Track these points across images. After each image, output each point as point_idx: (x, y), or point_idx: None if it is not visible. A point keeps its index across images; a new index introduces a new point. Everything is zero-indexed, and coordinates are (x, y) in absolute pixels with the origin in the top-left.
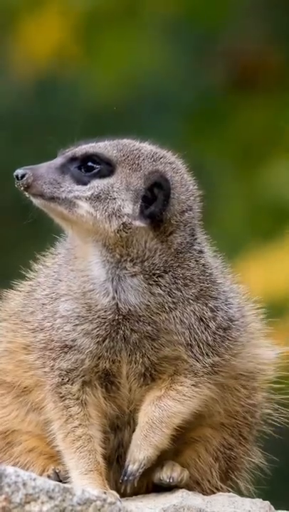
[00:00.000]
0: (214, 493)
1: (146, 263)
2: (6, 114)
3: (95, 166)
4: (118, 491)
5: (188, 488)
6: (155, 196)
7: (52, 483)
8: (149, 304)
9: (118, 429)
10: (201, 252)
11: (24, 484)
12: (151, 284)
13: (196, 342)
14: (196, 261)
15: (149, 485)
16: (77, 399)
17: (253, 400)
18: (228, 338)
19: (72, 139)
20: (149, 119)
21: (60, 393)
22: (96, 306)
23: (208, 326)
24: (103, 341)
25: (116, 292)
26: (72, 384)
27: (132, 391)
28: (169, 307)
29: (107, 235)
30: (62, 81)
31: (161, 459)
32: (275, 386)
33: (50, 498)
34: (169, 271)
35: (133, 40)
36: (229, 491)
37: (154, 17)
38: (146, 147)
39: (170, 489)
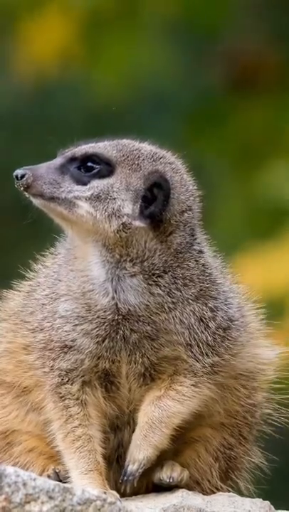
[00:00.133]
0: (214, 493)
1: (145, 263)
2: (6, 114)
3: (94, 166)
4: (118, 491)
5: (188, 488)
6: (155, 196)
7: (52, 483)
8: (148, 304)
9: (118, 429)
10: (200, 252)
11: (24, 484)
12: (150, 284)
13: (196, 342)
14: (196, 261)
15: (149, 485)
16: (77, 399)
17: (252, 400)
18: (227, 338)
19: (72, 139)
20: (149, 119)
21: (60, 393)
22: (96, 306)
23: (207, 325)
24: (103, 341)
25: (115, 292)
26: (72, 384)
27: (132, 391)
28: (169, 307)
29: (106, 235)
30: (62, 81)
31: (161, 458)
32: (275, 386)
33: (50, 498)
34: (169, 271)
35: (133, 40)
36: (229, 491)
37: (154, 17)
38: (146, 147)
39: (170, 489)
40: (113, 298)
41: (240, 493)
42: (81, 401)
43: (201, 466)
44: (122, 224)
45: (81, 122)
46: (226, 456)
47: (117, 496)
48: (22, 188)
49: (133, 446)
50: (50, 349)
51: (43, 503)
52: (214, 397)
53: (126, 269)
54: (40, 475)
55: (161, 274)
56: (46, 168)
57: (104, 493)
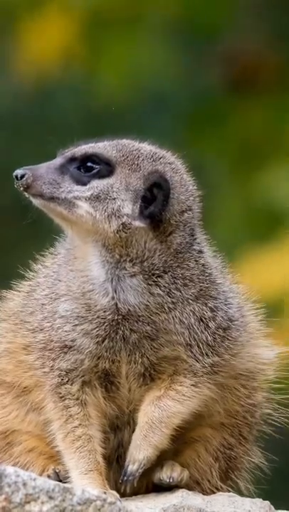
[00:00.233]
0: (214, 493)
1: (145, 263)
2: (6, 114)
3: (94, 166)
4: (118, 491)
5: (188, 488)
6: (155, 196)
7: (52, 483)
8: (148, 304)
9: (118, 429)
10: (200, 252)
11: (24, 484)
12: (150, 285)
13: (196, 342)
14: (196, 261)
15: (149, 485)
16: (77, 399)
17: (252, 400)
18: (227, 338)
19: (72, 139)
20: (150, 119)
21: (60, 393)
22: (95, 306)
23: (207, 325)
24: (102, 341)
25: (115, 292)
26: (71, 384)
27: (132, 391)
28: (169, 307)
29: (106, 235)
30: (63, 81)
31: (161, 458)
32: (275, 386)
33: (50, 498)
34: (169, 271)
35: (134, 40)
36: (229, 491)
37: (155, 18)
38: (146, 147)
39: (170, 489)
40: (113, 298)
41: (240, 493)
42: (81, 401)
43: (201, 466)
44: (122, 224)
45: (81, 122)
46: (226, 456)
47: (117, 496)
48: (22, 188)
49: (133, 447)
50: (50, 349)
51: (43, 503)
52: (214, 397)
53: (126, 269)
54: (40, 475)
55: (161, 274)
56: (46, 169)
57: (105, 493)
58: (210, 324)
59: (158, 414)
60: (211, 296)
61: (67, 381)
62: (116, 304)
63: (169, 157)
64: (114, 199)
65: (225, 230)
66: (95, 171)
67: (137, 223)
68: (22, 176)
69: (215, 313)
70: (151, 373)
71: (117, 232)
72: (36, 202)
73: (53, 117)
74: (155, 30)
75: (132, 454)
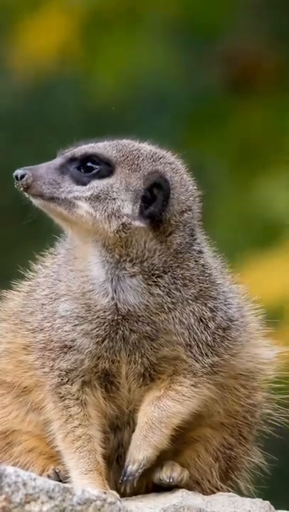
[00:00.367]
0: (214, 492)
1: (145, 263)
2: (6, 114)
3: (94, 166)
4: (118, 491)
5: (188, 488)
6: (155, 196)
7: (52, 483)
8: (148, 304)
9: (118, 429)
10: (200, 252)
11: (24, 484)
12: (150, 285)
13: (196, 342)
14: (196, 261)
15: (149, 485)
16: (77, 399)
17: (252, 400)
18: (227, 338)
19: (71, 139)
20: (149, 118)
21: (60, 393)
22: (95, 306)
23: (207, 326)
24: (102, 341)
25: (115, 292)
26: (71, 384)
27: (132, 391)
28: (168, 307)
29: (106, 235)
30: (61, 80)
31: (161, 458)
32: (275, 386)
33: (50, 498)
34: (168, 271)
35: (133, 39)
36: (229, 491)
37: (155, 17)
38: (146, 147)
39: (170, 489)
40: (113, 298)
41: (240, 493)
42: (81, 401)
43: (201, 466)
44: (122, 224)
45: (80, 121)
46: (226, 456)
47: (117, 495)
48: (22, 189)
49: (133, 447)
50: (50, 349)
51: (43, 503)
52: (214, 397)
53: (126, 270)
54: (40, 475)
55: (161, 274)
56: (46, 169)
57: (105, 493)
58: (210, 324)
59: (158, 414)
60: (210, 297)
61: (67, 381)
62: (116, 304)
63: (169, 157)
64: (114, 199)
65: (224, 231)
66: (95, 171)
67: (137, 223)
68: (22, 176)
69: (214, 314)
70: (151, 373)
71: (117, 232)
72: (36, 202)
73: (51, 116)
74: (155, 30)
75: (131, 454)
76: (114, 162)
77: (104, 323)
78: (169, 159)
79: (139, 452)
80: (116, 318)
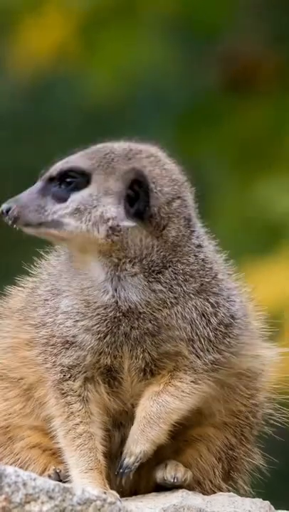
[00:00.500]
0: (215, 493)
1: (144, 261)
2: (5, 113)
3: (72, 180)
4: (120, 489)
5: (189, 488)
6: (138, 194)
7: (52, 483)
8: (149, 300)
9: (121, 426)
10: (199, 246)
11: (24, 484)
12: (151, 281)
13: (198, 337)
14: (195, 256)
15: (149, 485)
16: (79, 395)
17: (255, 400)
18: (229, 335)
19: (70, 137)
20: (148, 117)
21: (62, 389)
22: (95, 303)
23: (209, 321)
24: (104, 337)
25: (115, 291)
26: (74, 380)
27: (133, 386)
28: (171, 302)
29: (99, 242)
30: (61, 80)
31: (163, 457)
32: (277, 386)
33: (50, 498)
34: (169, 266)
35: (132, 38)
36: (229, 491)
37: (154, 16)
38: (120, 147)
39: (170, 489)
40: (113, 296)
41: (240, 493)
42: (83, 398)
43: (203, 466)
44: (110, 228)
45: (79, 120)
46: (229, 456)
47: (117, 495)
48: (10, 222)
49: (130, 440)
50: (52, 345)
51: (43, 503)
52: (214, 394)
53: (126, 270)
54: (41, 473)
55: (161, 270)
56: (28, 196)
57: (104, 492)
58: (212, 320)
59: (156, 409)
60: (212, 292)
61: (69, 377)
62: (116, 302)
63: (146, 151)
64: (95, 207)
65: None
66: (72, 185)
67: (126, 223)
68: (8, 210)
69: (217, 309)
70: (152, 368)
71: (108, 237)
72: (28, 231)
73: (51, 115)
74: (154, 29)
75: (129, 447)
76: (88, 171)
77: (106, 319)
78: (146, 153)
79: (137, 446)
80: (117, 314)
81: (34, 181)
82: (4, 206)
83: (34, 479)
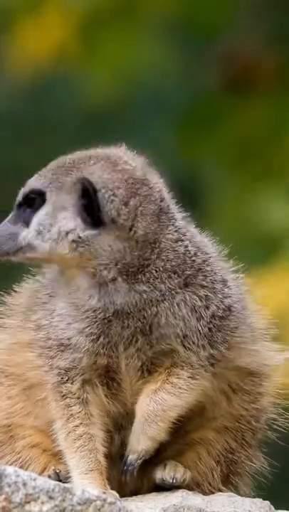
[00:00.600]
0: (214, 493)
1: (119, 265)
2: (5, 113)
3: (33, 202)
4: (121, 489)
5: (188, 489)
6: (91, 202)
7: (52, 483)
8: (135, 301)
9: (122, 428)
10: (178, 240)
11: (24, 484)
12: (132, 283)
13: (191, 333)
14: (175, 251)
15: (150, 485)
16: (78, 398)
17: (257, 405)
18: (224, 329)
19: (69, 138)
20: (147, 117)
21: (61, 392)
22: (83, 306)
23: (201, 315)
24: (98, 339)
25: (100, 294)
26: (72, 383)
27: (132, 385)
28: (157, 300)
29: (67, 257)
30: (61, 80)
31: (163, 459)
32: (282, 391)
33: (50, 498)
34: (148, 265)
35: (132, 39)
36: (231, 490)
37: (154, 16)
38: (69, 159)
39: (170, 489)
40: (99, 300)
41: (240, 494)
42: (82, 400)
43: (202, 469)
44: (73, 241)
45: (79, 120)
46: (228, 460)
47: (117, 496)
48: None
49: (132, 438)
50: (48, 347)
51: (43, 503)
52: (211, 390)
53: (104, 277)
54: (42, 473)
55: (141, 270)
56: (3, 226)
57: (104, 493)
58: (203, 314)
59: (153, 407)
60: (200, 285)
61: (67, 380)
62: (104, 305)
63: (97, 157)
64: (51, 224)
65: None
66: (33, 207)
67: (87, 233)
68: None
69: (208, 302)
70: (148, 367)
71: (73, 251)
72: (12, 259)
73: (51, 116)
74: (154, 29)
75: (132, 445)
76: (43, 189)
77: (96, 321)
78: (96, 159)
79: (138, 444)
80: (106, 316)
81: None
82: None
83: (34, 479)
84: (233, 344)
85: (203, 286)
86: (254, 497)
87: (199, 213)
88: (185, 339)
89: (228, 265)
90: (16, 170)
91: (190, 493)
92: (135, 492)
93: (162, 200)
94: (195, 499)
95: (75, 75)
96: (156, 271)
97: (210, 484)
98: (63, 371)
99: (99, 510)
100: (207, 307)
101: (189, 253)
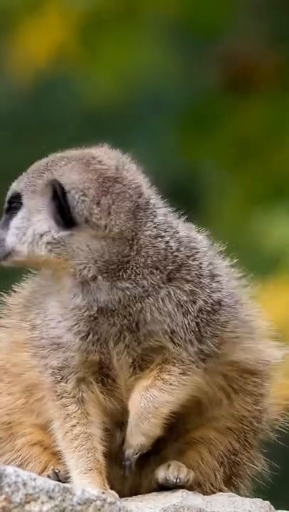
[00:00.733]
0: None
1: (98, 263)
2: (5, 114)
3: (14, 206)
4: (121, 487)
5: (190, 489)
6: (64, 203)
7: (52, 483)
8: (119, 297)
9: (123, 426)
10: (158, 236)
11: (24, 484)
12: (114, 281)
13: (179, 328)
14: (155, 246)
15: (151, 486)
16: (74, 397)
17: (259, 406)
18: (213, 323)
19: (69, 140)
20: (148, 118)
21: (57, 392)
22: (69, 305)
23: (187, 310)
24: (87, 336)
25: (83, 293)
26: (66, 382)
27: (126, 381)
28: (141, 296)
29: (44, 259)
30: (61, 82)
31: (165, 459)
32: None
33: (50, 498)
34: (128, 262)
35: (132, 40)
36: (231, 490)
37: (154, 17)
38: (43, 162)
39: (171, 489)
40: (83, 298)
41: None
42: (78, 399)
43: (204, 469)
44: (48, 243)
45: (79, 121)
46: (231, 461)
47: (116, 495)
48: None
49: (128, 433)
50: (42, 347)
51: (43, 503)
52: (206, 385)
53: (84, 276)
54: (41, 472)
55: (120, 267)
56: None
57: (103, 493)
58: (190, 308)
59: (144, 404)
60: (185, 279)
61: (61, 379)
62: (88, 303)
63: (68, 158)
64: (27, 227)
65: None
66: (13, 211)
67: (62, 234)
68: None
69: (194, 297)
70: (140, 363)
71: (50, 252)
72: (4, 264)
73: (51, 117)
74: (154, 30)
75: (127, 440)
76: (21, 193)
77: (83, 319)
78: (67, 160)
79: (133, 439)
80: (92, 313)
81: None
82: None
83: (34, 479)
84: (225, 339)
85: (187, 281)
86: (254, 497)
87: (199, 213)
88: (173, 335)
89: (220, 261)
90: (16, 171)
91: (190, 493)
92: (135, 492)
93: (140, 196)
94: (195, 499)
95: (75, 76)
96: (137, 267)
97: (212, 485)
98: (57, 370)
99: (99, 510)
100: (194, 302)
101: (171, 248)
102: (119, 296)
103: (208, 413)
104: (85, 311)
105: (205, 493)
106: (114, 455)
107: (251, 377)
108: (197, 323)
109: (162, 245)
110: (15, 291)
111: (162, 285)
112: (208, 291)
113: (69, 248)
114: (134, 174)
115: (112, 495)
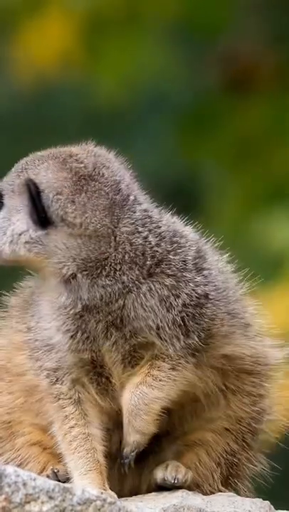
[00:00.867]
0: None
1: (77, 260)
2: (6, 114)
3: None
4: (121, 488)
5: (188, 489)
6: (37, 202)
7: (52, 483)
8: (100, 294)
9: (121, 425)
10: (135, 232)
11: (24, 484)
12: (94, 278)
13: (164, 323)
14: (131, 243)
15: (150, 488)
16: (70, 398)
17: (258, 407)
18: (200, 317)
19: (71, 142)
20: (150, 120)
21: (53, 393)
22: (56, 303)
23: (171, 304)
24: (75, 335)
25: (67, 291)
26: (61, 384)
27: (120, 379)
28: (122, 292)
29: (24, 259)
30: (64, 84)
31: (162, 459)
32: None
33: (50, 498)
34: (106, 258)
35: (134, 42)
36: (230, 491)
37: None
38: (23, 161)
39: (170, 489)
40: (68, 297)
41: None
42: (74, 400)
43: (202, 471)
44: (25, 242)
45: (80, 121)
46: (229, 462)
47: (115, 496)
48: None
49: (124, 432)
50: (36, 349)
51: (43, 503)
52: (198, 380)
53: (65, 274)
54: (41, 472)
55: (99, 264)
56: None
57: (102, 493)
58: (173, 303)
59: (134, 402)
60: (166, 274)
61: (56, 380)
62: (72, 301)
63: (45, 157)
64: (7, 227)
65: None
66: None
67: (39, 233)
68: None
69: (177, 291)
70: (130, 360)
71: (29, 252)
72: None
73: (53, 119)
74: (155, 31)
75: (125, 438)
76: (2, 193)
77: (69, 317)
78: (43, 159)
79: (128, 437)
80: (77, 311)
81: None
82: None
83: (34, 479)
84: (214, 333)
85: (168, 275)
86: (254, 497)
87: (199, 213)
88: (159, 330)
89: (212, 256)
90: None
91: (190, 493)
92: (135, 492)
93: (117, 193)
94: (195, 499)
95: (76, 77)
96: (115, 264)
97: (210, 486)
98: (51, 372)
99: (99, 510)
100: (177, 296)
101: (150, 244)
102: (100, 293)
103: (206, 414)
104: (70, 310)
105: (204, 493)
106: (114, 455)
107: (249, 378)
108: (182, 318)
109: (140, 241)
110: (15, 292)
111: (143, 280)
112: (192, 285)
113: (47, 247)
114: (115, 171)
115: (110, 495)
